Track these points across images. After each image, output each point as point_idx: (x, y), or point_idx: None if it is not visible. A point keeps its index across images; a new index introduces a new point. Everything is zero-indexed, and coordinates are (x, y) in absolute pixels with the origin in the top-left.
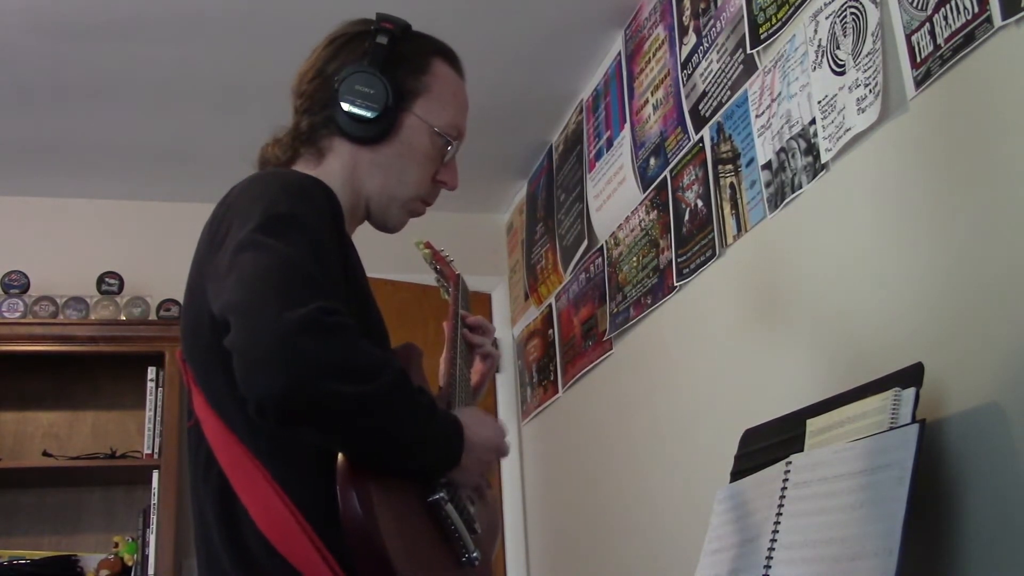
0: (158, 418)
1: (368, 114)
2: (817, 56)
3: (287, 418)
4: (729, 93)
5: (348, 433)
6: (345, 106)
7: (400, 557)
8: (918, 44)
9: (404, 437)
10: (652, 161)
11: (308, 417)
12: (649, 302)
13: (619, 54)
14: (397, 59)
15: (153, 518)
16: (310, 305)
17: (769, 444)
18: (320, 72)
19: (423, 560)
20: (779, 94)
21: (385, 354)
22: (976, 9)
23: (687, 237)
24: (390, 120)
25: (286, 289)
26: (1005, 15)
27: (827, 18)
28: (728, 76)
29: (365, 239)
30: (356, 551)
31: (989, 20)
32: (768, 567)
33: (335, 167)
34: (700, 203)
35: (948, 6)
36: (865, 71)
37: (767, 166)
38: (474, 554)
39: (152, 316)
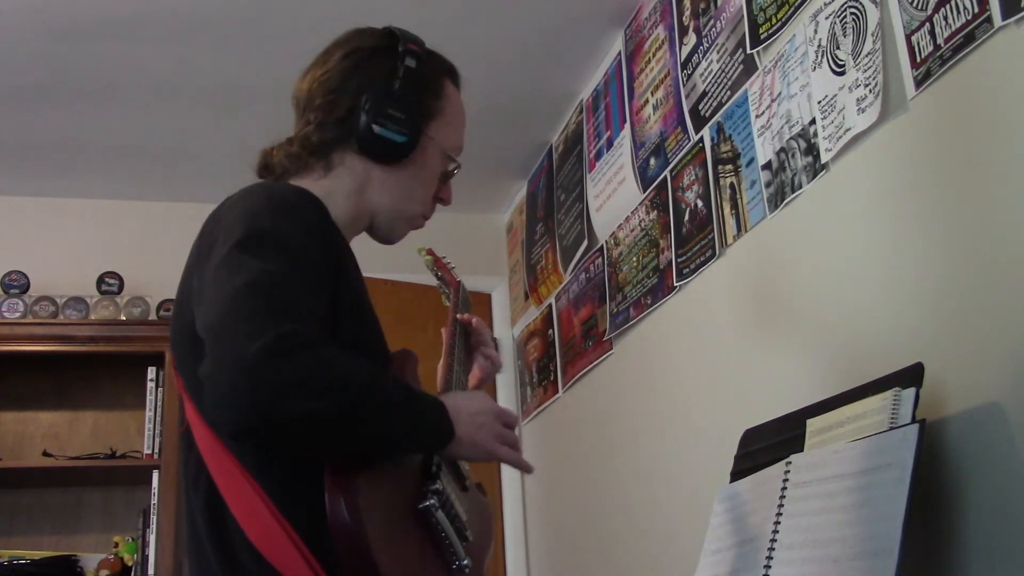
0: (158, 418)
1: (400, 140)
2: (817, 56)
3: (262, 442)
4: (729, 93)
5: (330, 444)
6: (376, 129)
7: (388, 565)
8: (918, 44)
9: (388, 433)
10: (652, 161)
11: (284, 438)
12: (649, 302)
13: (619, 54)
14: (421, 83)
15: (153, 518)
16: (268, 335)
17: (769, 444)
18: (341, 87)
19: (412, 568)
20: (779, 94)
21: (354, 359)
22: (976, 9)
23: (687, 237)
24: (415, 144)
25: (251, 317)
26: (1005, 15)
27: (827, 18)
28: (728, 76)
29: (366, 239)
30: (344, 559)
31: (989, 20)
32: (768, 567)
33: (345, 181)
34: (700, 203)
35: (948, 6)
36: (865, 71)
37: (767, 166)
38: (464, 561)
39: (152, 316)
